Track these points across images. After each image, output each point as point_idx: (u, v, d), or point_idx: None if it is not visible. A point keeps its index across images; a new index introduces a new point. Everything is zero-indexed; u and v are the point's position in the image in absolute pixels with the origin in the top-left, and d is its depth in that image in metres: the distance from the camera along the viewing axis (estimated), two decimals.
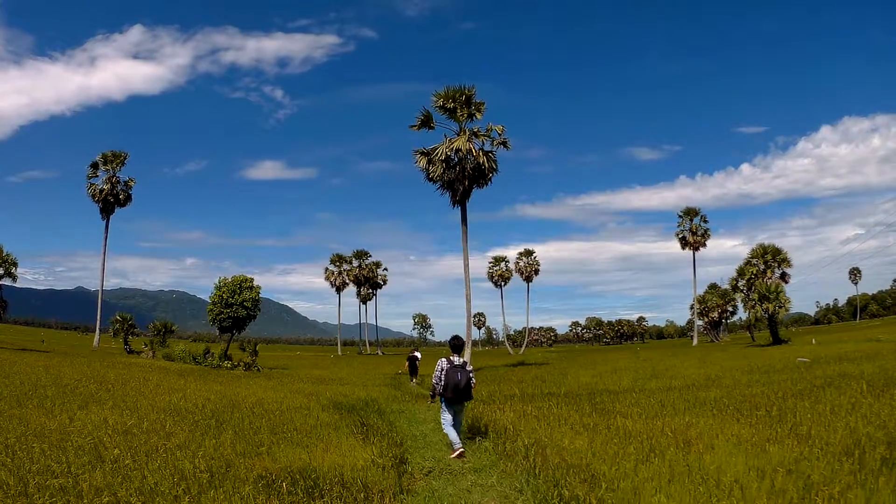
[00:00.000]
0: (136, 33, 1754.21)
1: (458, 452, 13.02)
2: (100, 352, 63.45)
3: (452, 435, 13.37)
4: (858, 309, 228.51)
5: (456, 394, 13.37)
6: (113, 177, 78.39)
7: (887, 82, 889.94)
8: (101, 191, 77.68)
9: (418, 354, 38.95)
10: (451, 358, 13.71)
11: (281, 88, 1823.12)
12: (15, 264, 59.03)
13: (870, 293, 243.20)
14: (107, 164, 78.36)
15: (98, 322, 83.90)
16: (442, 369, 13.54)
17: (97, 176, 78.66)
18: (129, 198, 79.88)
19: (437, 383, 13.66)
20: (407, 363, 39.04)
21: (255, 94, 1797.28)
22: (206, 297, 58.32)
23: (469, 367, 13.69)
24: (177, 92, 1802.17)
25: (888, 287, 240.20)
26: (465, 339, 15.74)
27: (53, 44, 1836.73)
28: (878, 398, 15.78)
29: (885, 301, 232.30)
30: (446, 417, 13.61)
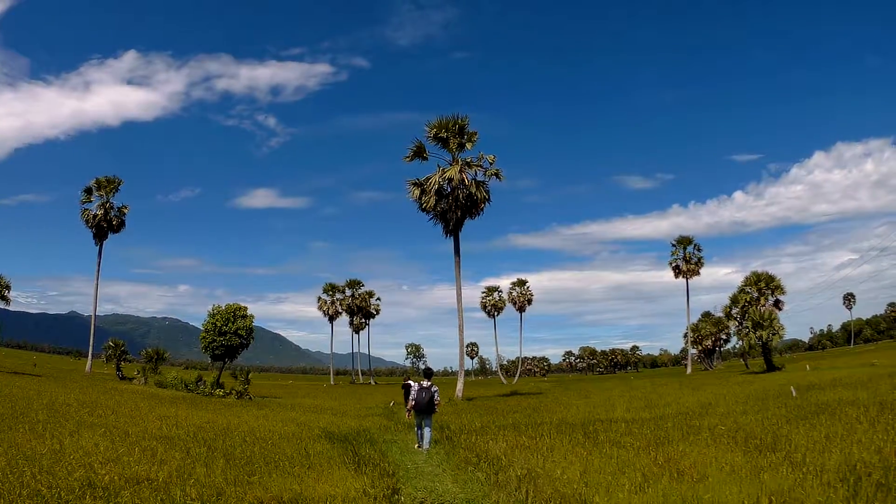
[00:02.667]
0: (130, 59, 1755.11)
1: (419, 447, 18.95)
2: (92, 377, 63.12)
3: (420, 440, 19.30)
4: (853, 334, 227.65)
5: (422, 408, 18.99)
6: (107, 202, 78.19)
7: (880, 107, 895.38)
8: (95, 216, 77.47)
9: (412, 383, 39.85)
10: (422, 382, 19.42)
11: (274, 116, 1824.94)
12: (8, 287, 58.94)
13: (864, 318, 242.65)
14: (100, 189, 78.22)
15: (90, 347, 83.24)
16: (415, 390, 19.24)
17: (91, 201, 78.43)
18: (122, 224, 79.69)
19: (412, 399, 19.23)
20: (403, 391, 40.36)
21: (249, 122, 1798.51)
22: (198, 324, 58.24)
23: (434, 389, 19.19)
24: (171, 119, 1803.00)
25: (883, 312, 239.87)
26: (434, 371, 19.82)
27: (48, 67, 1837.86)
28: (873, 424, 15.74)
29: (879, 326, 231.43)
30: (418, 423, 19.49)
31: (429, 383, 19.33)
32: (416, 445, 19.26)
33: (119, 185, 79.48)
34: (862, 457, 11.56)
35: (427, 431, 19.18)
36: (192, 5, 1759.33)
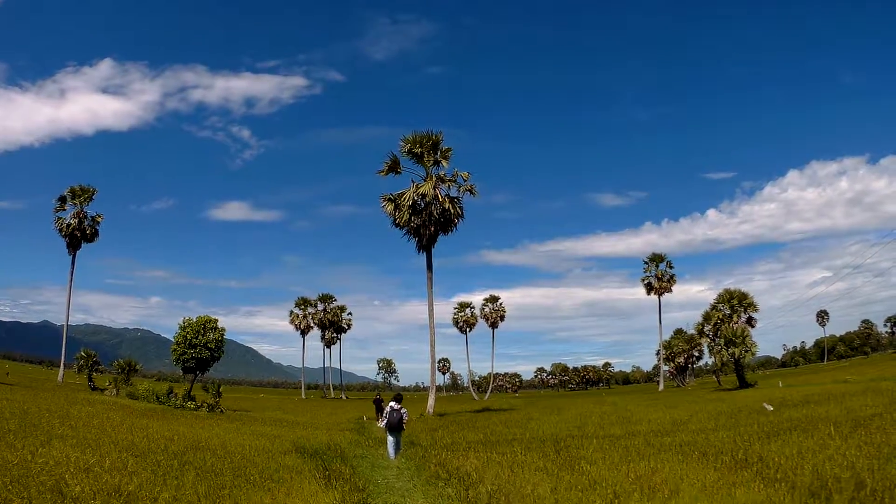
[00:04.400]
0: (105, 67, 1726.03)
1: (391, 458, 21.65)
2: (64, 387, 62.54)
3: (391, 452, 21.96)
4: (826, 351, 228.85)
5: (393, 427, 21.85)
6: (80, 212, 77.74)
7: (855, 125, 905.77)
8: (69, 225, 76.95)
9: (385, 401, 42.90)
10: (393, 405, 22.11)
11: (248, 129, 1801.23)
12: None
13: (838, 335, 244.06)
14: (75, 198, 77.79)
15: (63, 357, 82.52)
16: (387, 412, 22.00)
17: (65, 210, 78.05)
18: (95, 233, 79.18)
19: (385, 419, 22.10)
20: (374, 405, 45.57)
21: (222, 134, 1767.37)
22: (170, 336, 57.84)
23: (403, 411, 22.16)
24: (145, 129, 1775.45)
25: (856, 328, 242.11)
26: (403, 395, 24.47)
27: (25, 73, 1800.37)
28: (845, 440, 15.80)
29: (852, 342, 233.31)
30: (389, 440, 22.15)
31: (398, 406, 22.43)
32: (390, 457, 21.92)
33: (93, 194, 79.02)
34: (834, 473, 11.57)
35: (397, 443, 22.33)
36: (169, 15, 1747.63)
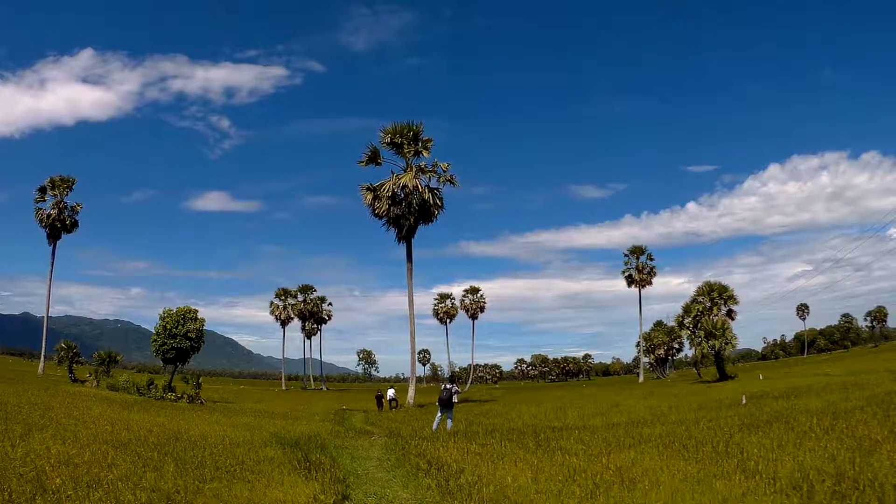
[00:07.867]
0: (86, 57, 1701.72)
1: (433, 428, 26.25)
2: (44, 379, 62.15)
3: (434, 424, 26.55)
4: (806, 344, 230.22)
5: (441, 402, 26.64)
6: (60, 202, 77.77)
7: (836, 121, 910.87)
8: (49, 216, 76.94)
9: (382, 393, 52.46)
10: (446, 385, 27.01)
11: (227, 118, 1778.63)
12: None
13: (818, 328, 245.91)
14: (54, 188, 77.82)
15: (43, 349, 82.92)
16: (441, 390, 26.84)
17: (45, 200, 78.09)
18: (75, 224, 79.35)
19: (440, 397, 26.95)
20: (375, 400, 53.48)
21: (202, 124, 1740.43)
22: (150, 327, 57.74)
23: (455, 389, 26.52)
24: (125, 119, 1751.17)
25: (836, 322, 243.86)
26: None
27: (4, 63, 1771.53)
28: (826, 432, 15.81)
29: (832, 336, 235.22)
30: (438, 415, 26.96)
31: (450, 385, 26.87)
32: (433, 428, 26.48)
33: (73, 184, 79.12)
34: (815, 465, 11.56)
35: (448, 421, 26.45)
36: (149, 5, 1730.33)
